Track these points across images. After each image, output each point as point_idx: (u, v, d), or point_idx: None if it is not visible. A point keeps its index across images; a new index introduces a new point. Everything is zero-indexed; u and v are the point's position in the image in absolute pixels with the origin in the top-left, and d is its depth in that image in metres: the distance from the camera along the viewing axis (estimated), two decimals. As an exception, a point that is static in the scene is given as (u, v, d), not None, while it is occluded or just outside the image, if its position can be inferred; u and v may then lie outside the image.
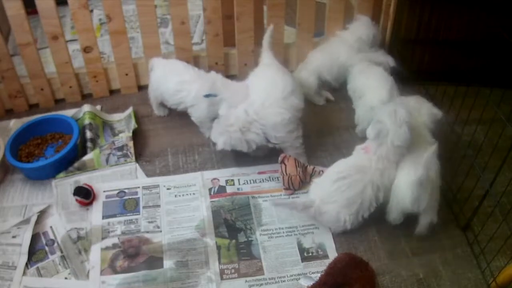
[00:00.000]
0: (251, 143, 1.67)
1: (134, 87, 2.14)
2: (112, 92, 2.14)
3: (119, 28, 1.95)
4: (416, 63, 2.05)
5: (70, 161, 1.77)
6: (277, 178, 1.75)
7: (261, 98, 1.67)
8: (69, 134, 1.86)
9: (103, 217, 1.62)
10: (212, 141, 1.76)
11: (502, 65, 1.94)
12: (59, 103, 2.09)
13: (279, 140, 1.69)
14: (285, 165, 1.69)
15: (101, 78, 2.08)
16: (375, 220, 1.55)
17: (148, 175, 1.78)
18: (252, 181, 1.75)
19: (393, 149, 1.52)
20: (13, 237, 1.56)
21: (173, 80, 1.86)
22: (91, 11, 2.53)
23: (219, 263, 1.50)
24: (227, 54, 2.13)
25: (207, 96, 1.77)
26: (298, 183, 1.69)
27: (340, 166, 1.56)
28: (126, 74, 2.09)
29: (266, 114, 1.65)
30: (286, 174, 1.68)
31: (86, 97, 2.12)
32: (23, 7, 1.80)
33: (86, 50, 1.98)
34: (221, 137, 1.66)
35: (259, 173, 1.78)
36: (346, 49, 2.01)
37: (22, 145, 1.85)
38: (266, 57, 1.84)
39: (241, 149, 1.68)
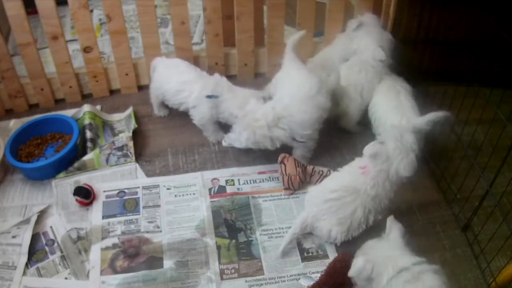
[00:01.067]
0: (276, 141, 1.67)
1: (134, 87, 2.14)
2: (112, 92, 2.14)
3: (119, 28, 1.95)
4: (416, 63, 2.04)
5: (70, 161, 1.77)
6: (277, 178, 1.75)
7: (289, 95, 1.67)
8: (69, 134, 1.86)
9: (103, 217, 1.62)
10: (224, 141, 1.78)
11: (502, 65, 1.94)
12: (59, 103, 2.09)
13: (305, 138, 1.69)
14: (285, 165, 1.69)
15: (101, 78, 2.08)
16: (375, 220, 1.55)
17: (148, 175, 1.78)
18: (252, 181, 1.75)
19: (394, 179, 1.45)
20: (13, 237, 1.56)
21: (175, 80, 1.85)
22: (91, 11, 2.53)
23: (219, 263, 1.50)
24: (227, 54, 2.13)
25: (209, 97, 1.76)
26: (298, 183, 1.69)
27: (335, 184, 1.50)
28: (126, 74, 2.09)
29: (294, 111, 1.64)
30: (286, 174, 1.68)
31: (86, 97, 2.12)
32: (23, 7, 1.80)
33: (86, 50, 1.98)
34: (244, 132, 1.62)
35: (259, 173, 1.78)
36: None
37: (22, 145, 1.85)
38: (288, 58, 1.81)
39: (264, 147, 1.67)
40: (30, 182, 1.76)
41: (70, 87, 2.06)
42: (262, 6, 2.14)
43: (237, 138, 1.66)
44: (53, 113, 1.98)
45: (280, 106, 1.65)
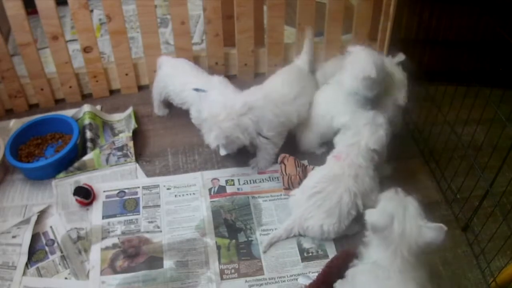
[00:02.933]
0: (245, 132, 1.62)
1: (134, 87, 2.14)
2: (112, 92, 2.14)
3: (119, 28, 1.95)
4: (416, 63, 2.04)
5: (70, 161, 1.77)
6: (277, 178, 1.75)
7: (266, 92, 1.71)
8: (69, 134, 1.86)
9: (103, 217, 1.62)
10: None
11: (502, 65, 1.94)
12: (59, 103, 2.10)
13: (268, 136, 1.69)
14: (285, 165, 1.69)
15: (101, 78, 2.08)
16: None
17: (148, 175, 1.78)
18: (252, 181, 1.75)
19: (365, 154, 1.53)
20: (13, 237, 1.56)
21: (179, 81, 1.86)
22: (91, 11, 2.53)
23: (219, 263, 1.50)
24: (227, 54, 2.13)
25: (196, 90, 1.76)
26: (298, 183, 1.69)
27: (314, 179, 1.55)
28: (126, 74, 2.09)
29: (265, 108, 1.65)
30: (286, 174, 1.68)
31: (86, 97, 2.12)
32: (23, 7, 1.80)
33: (86, 50, 1.99)
34: (211, 133, 1.62)
35: (259, 173, 1.78)
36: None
37: (22, 145, 1.85)
38: (300, 59, 1.91)
39: (240, 143, 1.63)
40: (30, 182, 1.76)
41: (70, 87, 2.06)
42: (262, 6, 2.14)
43: (208, 140, 1.65)
44: (53, 113, 1.98)
45: (254, 98, 1.66)
